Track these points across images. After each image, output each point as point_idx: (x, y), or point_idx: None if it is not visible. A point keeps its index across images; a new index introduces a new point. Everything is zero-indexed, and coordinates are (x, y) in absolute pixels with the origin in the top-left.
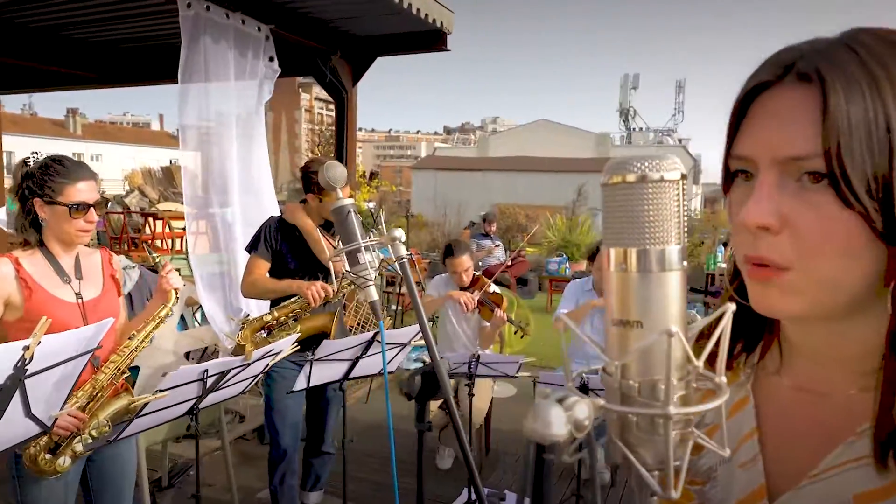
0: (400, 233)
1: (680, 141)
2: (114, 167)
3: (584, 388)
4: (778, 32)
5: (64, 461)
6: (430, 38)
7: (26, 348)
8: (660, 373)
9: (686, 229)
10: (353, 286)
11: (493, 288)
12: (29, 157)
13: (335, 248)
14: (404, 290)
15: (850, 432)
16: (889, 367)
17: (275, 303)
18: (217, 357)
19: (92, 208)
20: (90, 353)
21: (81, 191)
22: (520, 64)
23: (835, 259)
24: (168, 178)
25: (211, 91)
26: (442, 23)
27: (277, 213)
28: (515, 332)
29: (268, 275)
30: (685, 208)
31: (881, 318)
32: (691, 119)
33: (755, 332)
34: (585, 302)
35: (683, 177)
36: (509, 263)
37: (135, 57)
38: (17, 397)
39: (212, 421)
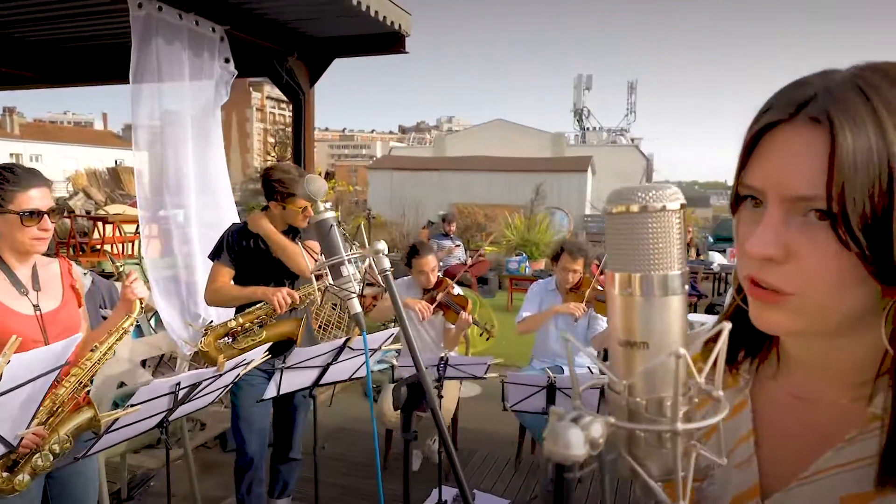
0: (383, 245)
1: (633, 140)
2: (55, 168)
3: (553, 388)
4: (728, 36)
5: (22, 479)
6: (388, 41)
7: None
8: (665, 390)
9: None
10: (320, 292)
11: (456, 290)
12: None
13: (312, 255)
14: (366, 291)
15: (840, 438)
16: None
17: (239, 309)
18: (174, 364)
19: (46, 216)
20: (58, 370)
21: (34, 198)
22: (475, 64)
23: (831, 290)
24: (115, 180)
25: (164, 91)
26: (400, 25)
27: (235, 214)
28: (481, 335)
29: (232, 282)
30: (684, 233)
31: (874, 334)
32: (643, 119)
33: (757, 339)
34: (548, 307)
35: (683, 206)
36: (470, 263)
37: (79, 56)
38: None
39: (173, 430)
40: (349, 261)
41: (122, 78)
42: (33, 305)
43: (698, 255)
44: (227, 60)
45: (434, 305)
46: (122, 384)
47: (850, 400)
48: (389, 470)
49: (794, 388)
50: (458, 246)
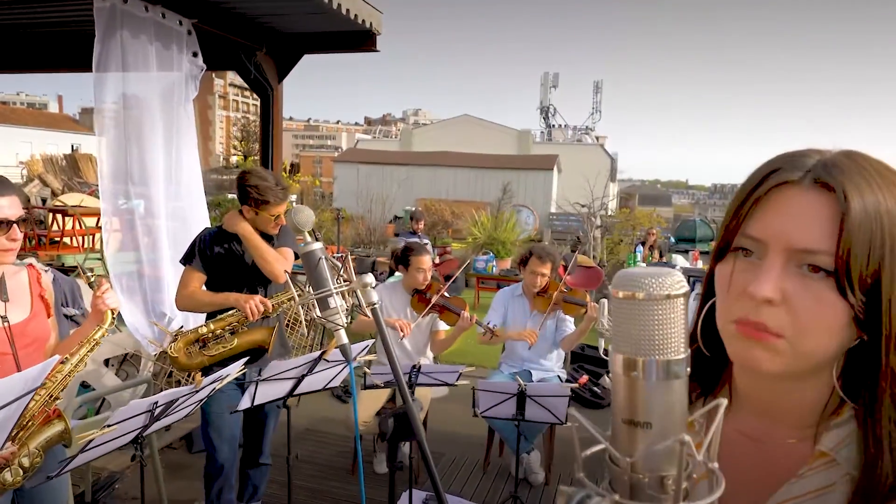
0: (371, 278)
1: (598, 139)
2: (7, 152)
3: (522, 396)
4: (690, 38)
5: None
6: (359, 38)
7: None
8: (666, 469)
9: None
10: (292, 301)
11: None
12: None
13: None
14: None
15: (792, 474)
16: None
17: (211, 315)
18: (137, 362)
19: (15, 225)
20: (33, 392)
21: (2, 207)
22: (442, 58)
23: (820, 336)
24: (73, 167)
25: (129, 78)
26: (371, 23)
27: (204, 209)
28: (484, 334)
29: (204, 287)
30: (687, 318)
31: (827, 379)
32: (608, 118)
33: (711, 380)
34: (513, 314)
35: (686, 294)
36: (437, 262)
37: (38, 42)
38: None
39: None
40: (336, 293)
41: (82, 66)
42: (1, 317)
43: (661, 257)
44: (195, 54)
45: (428, 308)
46: (84, 384)
47: (798, 440)
48: (355, 474)
49: (744, 427)
50: (425, 244)
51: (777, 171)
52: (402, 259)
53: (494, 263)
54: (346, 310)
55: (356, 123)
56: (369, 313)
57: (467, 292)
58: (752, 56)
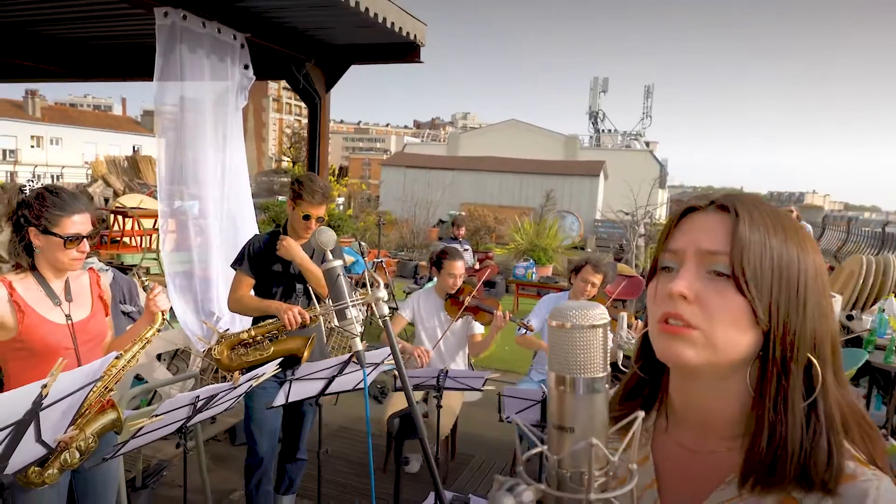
0: (384, 293)
1: (648, 144)
2: (74, 152)
3: (545, 403)
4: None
5: (52, 473)
6: (404, 49)
7: (44, 386)
8: (585, 466)
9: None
10: (326, 330)
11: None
12: (25, 185)
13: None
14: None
15: (721, 481)
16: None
17: (256, 319)
18: (187, 358)
19: (85, 239)
20: (94, 384)
21: (76, 223)
22: (493, 63)
23: (727, 327)
24: (133, 168)
25: (187, 87)
26: (415, 36)
27: (251, 209)
28: (519, 330)
29: (252, 292)
30: (607, 343)
31: (741, 395)
32: (659, 123)
33: (650, 398)
34: (542, 344)
35: (606, 325)
36: (477, 268)
37: (104, 54)
38: (31, 427)
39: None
40: (353, 305)
41: (144, 75)
42: (65, 315)
43: None
44: (246, 66)
45: (462, 310)
46: (138, 377)
47: (727, 450)
48: (389, 472)
49: (683, 440)
50: (466, 250)
51: (688, 202)
52: (437, 263)
53: (534, 270)
54: (360, 321)
55: (405, 127)
56: (381, 323)
57: (507, 298)
58: (816, 57)
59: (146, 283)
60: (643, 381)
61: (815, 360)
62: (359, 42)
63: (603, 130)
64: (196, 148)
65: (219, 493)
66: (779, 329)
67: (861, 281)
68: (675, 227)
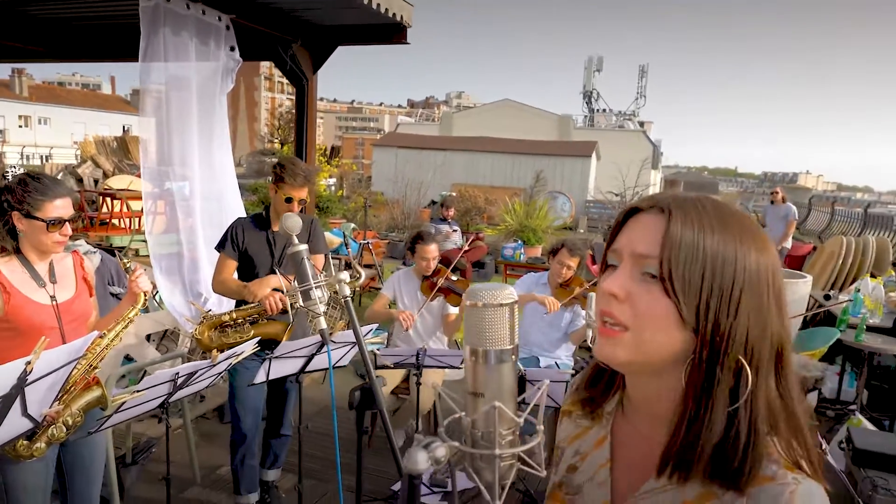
0: (345, 275)
1: (642, 125)
2: (63, 132)
3: (523, 380)
4: (742, 24)
5: (40, 446)
6: (391, 31)
7: (28, 363)
8: (493, 427)
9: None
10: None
11: (453, 277)
12: (7, 171)
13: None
14: (365, 273)
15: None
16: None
17: (239, 302)
18: (176, 338)
19: (67, 223)
20: (76, 361)
21: (58, 207)
22: (487, 42)
23: (655, 328)
24: (123, 149)
25: (171, 68)
26: (402, 17)
27: (236, 191)
28: None
29: (236, 273)
30: (514, 318)
31: (680, 390)
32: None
33: (608, 386)
34: (530, 295)
35: (514, 302)
36: (466, 249)
37: (87, 34)
38: (17, 401)
39: (174, 401)
40: (317, 286)
41: (129, 56)
42: (50, 296)
43: None
44: (232, 48)
45: (434, 291)
46: (128, 356)
47: (667, 436)
48: (374, 448)
49: (639, 426)
50: (455, 231)
51: (633, 204)
52: (411, 247)
53: (522, 251)
54: (324, 301)
55: (399, 106)
56: (343, 304)
57: (496, 279)
58: (810, 43)
59: (128, 265)
60: (604, 368)
61: (744, 363)
62: (345, 23)
63: (597, 110)
64: (182, 130)
65: (207, 469)
66: (707, 330)
67: (840, 261)
68: (620, 226)
